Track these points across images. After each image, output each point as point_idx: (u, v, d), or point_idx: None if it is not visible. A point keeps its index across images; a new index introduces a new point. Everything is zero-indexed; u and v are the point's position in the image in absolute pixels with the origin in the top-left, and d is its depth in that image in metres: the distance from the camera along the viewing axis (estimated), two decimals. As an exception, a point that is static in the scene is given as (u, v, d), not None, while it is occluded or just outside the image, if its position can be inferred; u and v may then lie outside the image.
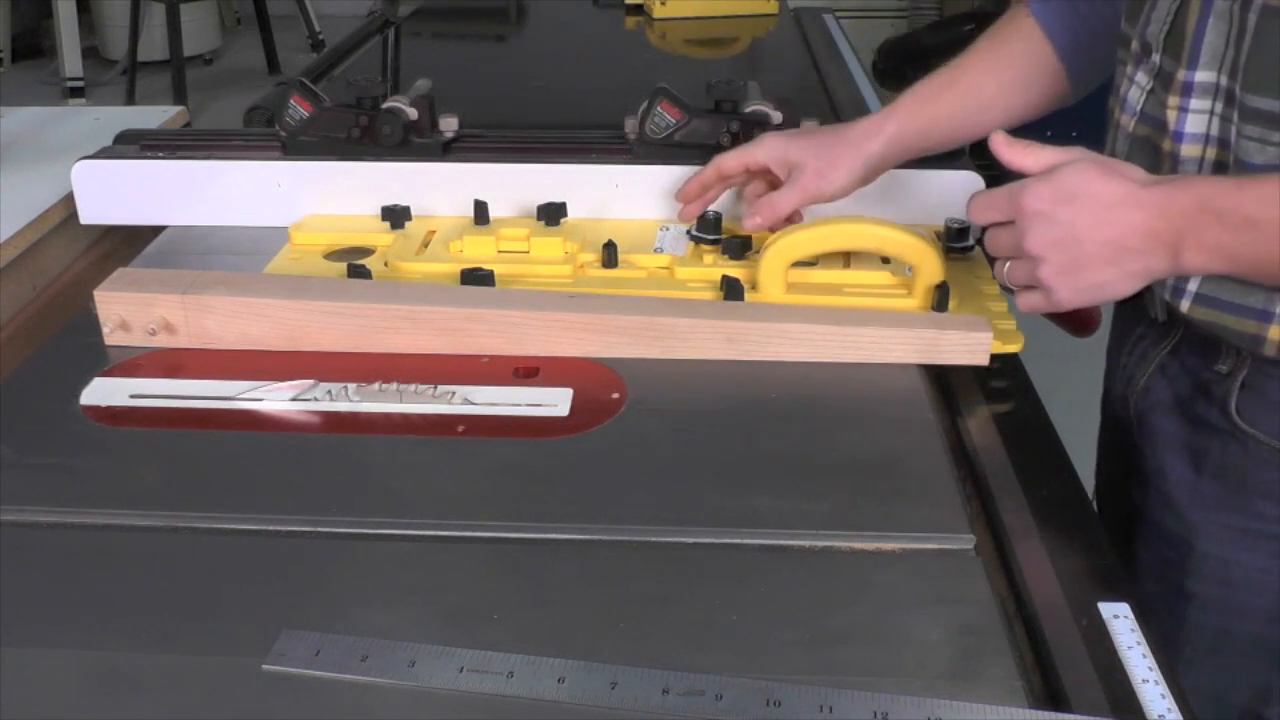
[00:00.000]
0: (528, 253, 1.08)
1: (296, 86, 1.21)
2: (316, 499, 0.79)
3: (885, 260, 1.03)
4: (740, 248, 1.07)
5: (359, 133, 1.19)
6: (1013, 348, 0.95)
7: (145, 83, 4.70)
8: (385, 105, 1.19)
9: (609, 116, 1.23)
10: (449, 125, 1.21)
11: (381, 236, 1.14)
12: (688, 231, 1.11)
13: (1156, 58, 0.87)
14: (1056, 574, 0.73)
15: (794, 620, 0.68)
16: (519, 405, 0.89)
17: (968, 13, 3.66)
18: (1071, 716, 0.62)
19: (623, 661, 0.64)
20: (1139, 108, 0.89)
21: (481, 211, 1.13)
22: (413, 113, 1.19)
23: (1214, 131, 0.83)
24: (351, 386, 0.90)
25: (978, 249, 1.07)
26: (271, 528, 0.77)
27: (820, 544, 0.74)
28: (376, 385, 0.90)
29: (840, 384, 0.92)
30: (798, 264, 1.01)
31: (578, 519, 0.77)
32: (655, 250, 1.10)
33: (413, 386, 0.90)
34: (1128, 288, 0.82)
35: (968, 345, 0.93)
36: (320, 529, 0.76)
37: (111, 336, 0.98)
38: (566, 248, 1.07)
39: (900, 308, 0.99)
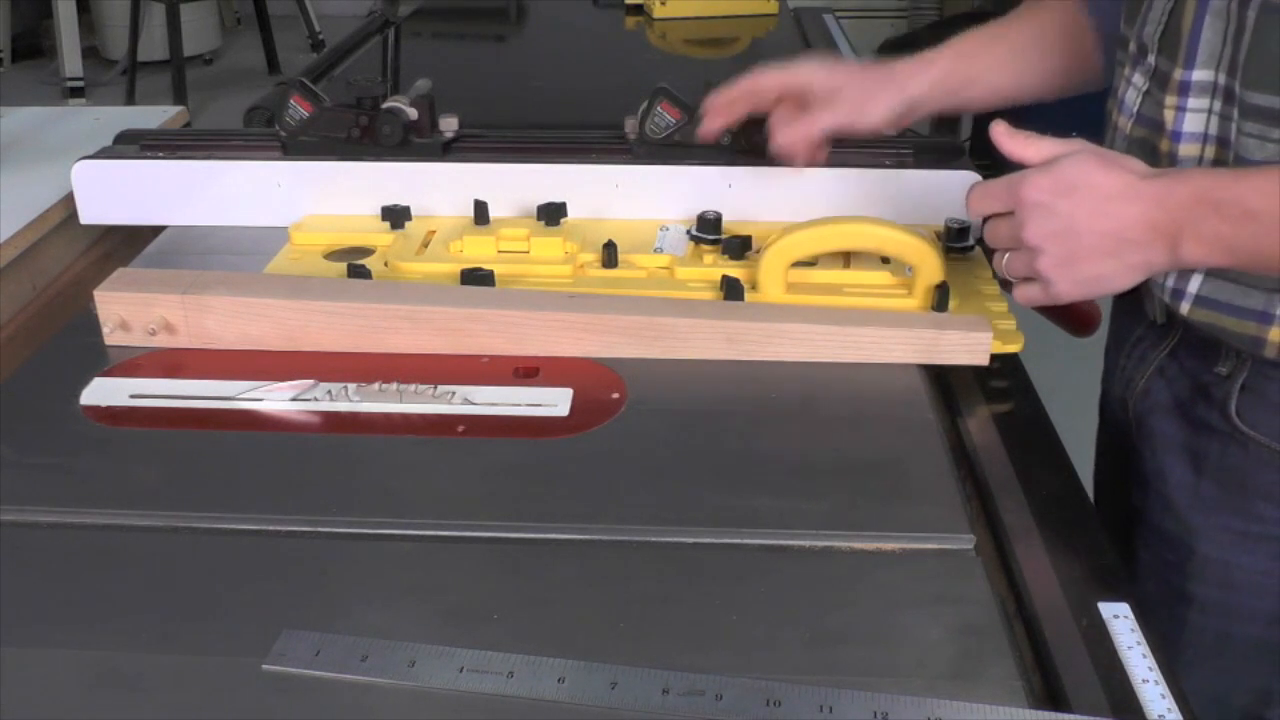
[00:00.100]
0: (528, 253, 1.08)
1: (296, 86, 1.21)
2: (316, 499, 0.79)
3: (885, 260, 1.03)
4: (740, 248, 1.07)
5: (359, 133, 1.18)
6: (1013, 348, 0.95)
7: (145, 83, 4.70)
8: (385, 105, 1.19)
9: (609, 116, 1.23)
10: (449, 125, 1.21)
11: (381, 236, 1.14)
12: (688, 231, 1.11)
13: (1152, 58, 0.87)
14: (1056, 574, 0.73)
15: (794, 620, 0.68)
16: (519, 405, 0.89)
17: (968, 13, 3.66)
18: (1071, 716, 0.62)
19: (623, 661, 0.64)
20: (1136, 109, 0.89)
21: (481, 211, 1.13)
22: (413, 113, 1.19)
23: (1212, 130, 0.83)
24: (351, 386, 0.90)
25: (978, 249, 1.07)
26: (271, 528, 0.77)
27: (820, 544, 0.74)
28: (376, 385, 0.90)
29: (840, 384, 0.92)
30: (798, 264, 1.01)
31: (578, 519, 0.77)
32: (655, 250, 1.10)
33: (413, 386, 0.90)
34: (1127, 280, 0.82)
35: (968, 345, 0.93)
36: (320, 529, 0.76)
37: (111, 336, 0.98)
38: (566, 248, 1.07)
39: (900, 308, 0.99)
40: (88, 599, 0.71)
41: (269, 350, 0.96)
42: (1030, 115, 1.11)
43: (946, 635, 0.67)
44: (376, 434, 0.87)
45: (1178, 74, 0.83)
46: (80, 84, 4.79)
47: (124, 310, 0.97)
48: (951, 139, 1.14)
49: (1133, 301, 0.97)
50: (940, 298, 0.97)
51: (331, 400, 0.90)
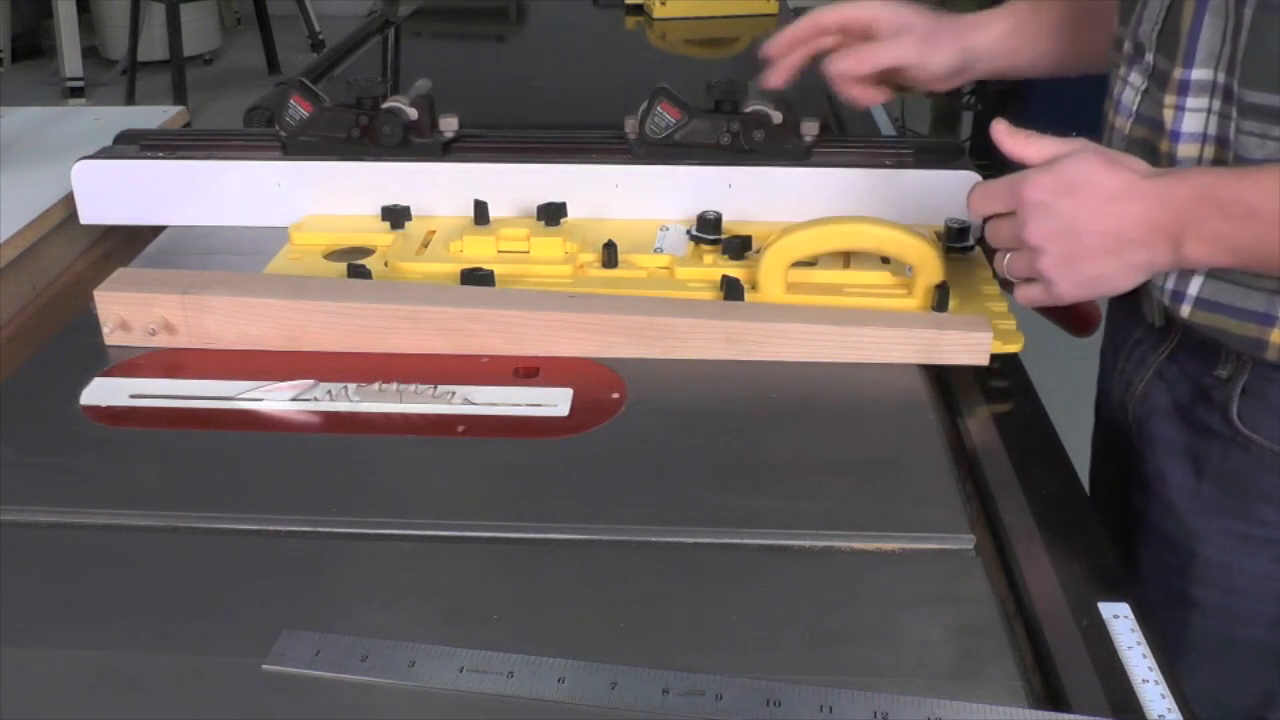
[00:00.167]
0: (528, 253, 1.08)
1: (296, 86, 1.21)
2: (316, 499, 0.79)
3: (885, 260, 1.03)
4: (740, 248, 1.07)
5: (359, 133, 1.18)
6: (1013, 348, 0.95)
7: (145, 83, 4.70)
8: (385, 105, 1.19)
9: (609, 116, 1.23)
10: (449, 125, 1.21)
11: (381, 236, 1.14)
12: (688, 231, 1.11)
13: (1150, 57, 0.86)
14: (1056, 574, 0.73)
15: (794, 620, 0.68)
16: (519, 405, 0.89)
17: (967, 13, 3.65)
18: (1071, 716, 0.62)
19: (623, 661, 0.64)
20: (1134, 109, 0.89)
21: (481, 211, 1.13)
22: (413, 113, 1.19)
23: (1212, 130, 0.83)
24: (351, 386, 0.90)
25: (978, 249, 1.07)
26: (271, 528, 0.77)
27: (820, 544, 0.74)
28: (376, 385, 0.90)
29: (840, 384, 0.92)
30: (798, 264, 1.01)
31: (578, 519, 0.77)
32: (655, 250, 1.10)
33: (413, 386, 0.90)
34: (1129, 280, 0.82)
35: (968, 345, 0.93)
36: (320, 529, 0.76)
37: (111, 336, 0.98)
38: (566, 248, 1.07)
39: (900, 308, 0.99)
40: (88, 599, 0.71)
41: (269, 350, 0.96)
42: (1029, 115, 1.11)
43: (946, 635, 0.67)
44: (376, 434, 0.87)
45: (1177, 73, 0.83)
46: (80, 84, 4.79)
47: (124, 310, 0.97)
48: (952, 139, 1.14)
49: (1130, 304, 0.96)
50: (940, 298, 0.97)
51: (331, 400, 0.90)
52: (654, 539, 0.75)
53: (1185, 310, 0.86)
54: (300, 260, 1.12)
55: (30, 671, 0.65)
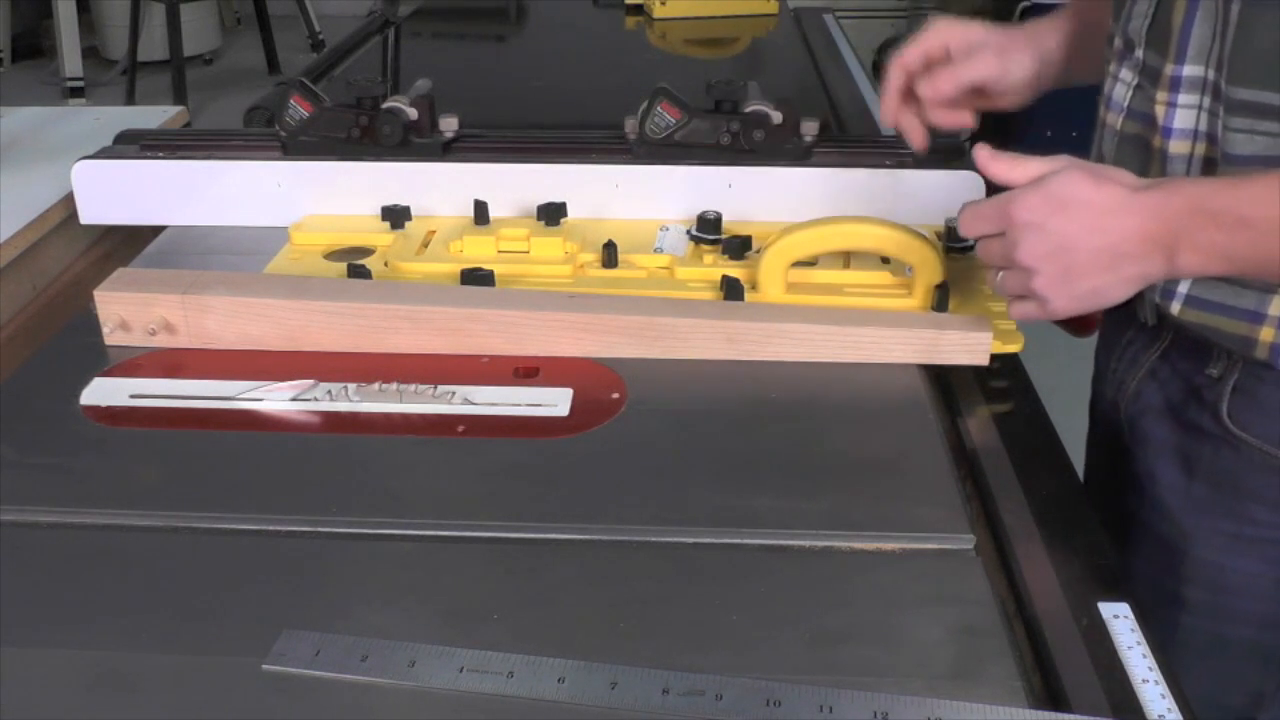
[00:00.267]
0: (528, 253, 1.08)
1: (296, 86, 1.21)
2: (316, 499, 0.79)
3: (885, 260, 1.03)
4: (740, 248, 1.07)
5: (359, 133, 1.19)
6: (1013, 348, 0.95)
7: (145, 83, 4.70)
8: (385, 105, 1.19)
9: (609, 116, 1.23)
10: (449, 125, 1.21)
11: (381, 236, 1.14)
12: (688, 231, 1.11)
13: (1140, 53, 0.86)
14: (1056, 574, 0.73)
15: (794, 620, 0.68)
16: (519, 405, 0.89)
17: (968, 13, 3.65)
18: (1071, 716, 0.62)
19: (623, 661, 0.64)
20: (1126, 104, 0.89)
21: (481, 211, 1.13)
22: (413, 113, 1.19)
23: (1202, 126, 0.83)
24: (351, 386, 0.90)
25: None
26: (271, 528, 0.77)
27: (820, 544, 0.74)
28: (376, 385, 0.90)
29: (840, 384, 0.92)
30: (798, 264, 1.01)
31: (578, 519, 0.77)
32: (655, 250, 1.10)
33: (413, 386, 0.90)
34: (1123, 293, 0.82)
35: (968, 345, 0.93)
36: (320, 529, 0.76)
37: (111, 336, 0.98)
38: (566, 248, 1.07)
39: (900, 308, 0.99)
40: (88, 599, 0.71)
41: (269, 350, 0.96)
42: (1030, 115, 1.11)
43: (946, 635, 0.67)
44: (376, 434, 0.87)
45: (1168, 69, 0.83)
46: (80, 84, 4.79)
47: (124, 310, 0.97)
48: (952, 139, 1.14)
49: (1123, 304, 0.96)
50: (940, 298, 0.97)
51: (331, 400, 0.90)
52: (654, 539, 0.75)
53: (1175, 308, 0.86)
54: (300, 260, 1.12)
55: (30, 671, 0.65)
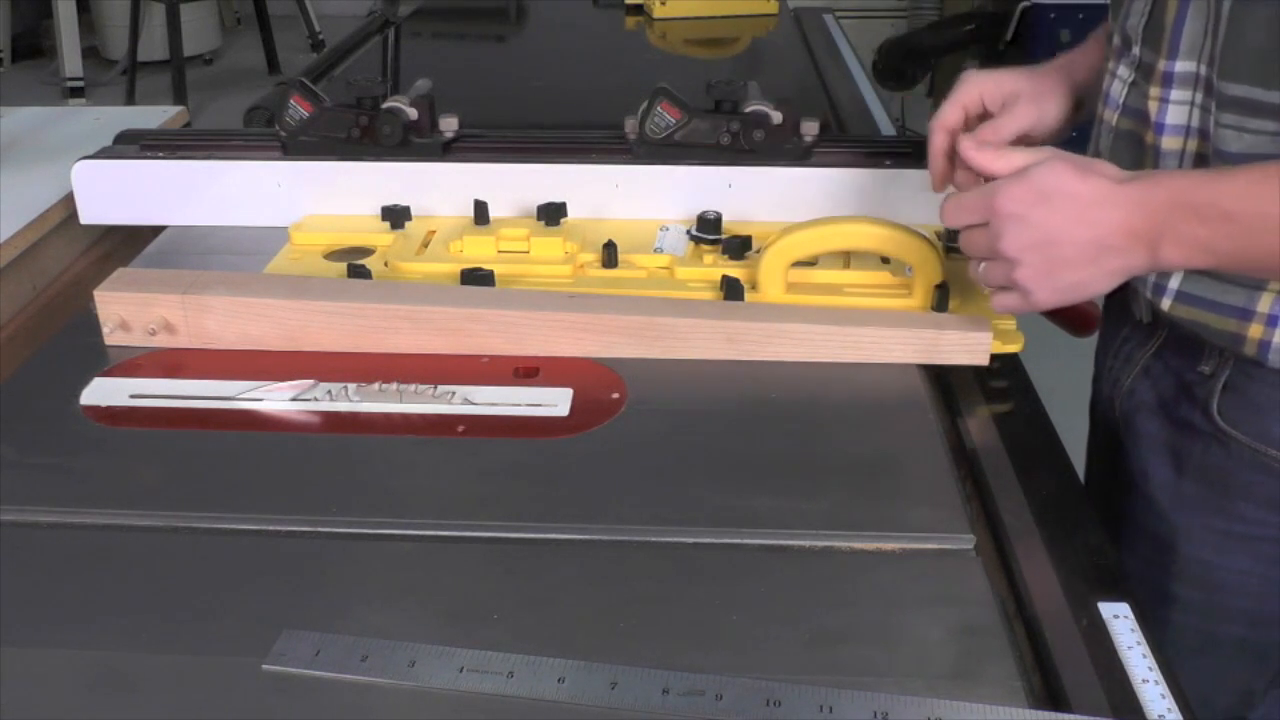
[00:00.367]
0: (528, 253, 1.08)
1: (296, 86, 1.21)
2: (316, 499, 0.79)
3: (885, 260, 1.03)
4: (740, 248, 1.07)
5: (359, 133, 1.19)
6: (1013, 348, 0.95)
7: (145, 83, 4.70)
8: (385, 105, 1.19)
9: (609, 116, 1.23)
10: (449, 125, 1.21)
11: (381, 236, 1.14)
12: (688, 231, 1.11)
13: (1137, 50, 0.87)
14: (1056, 574, 0.73)
15: (794, 620, 0.68)
16: (519, 405, 0.89)
17: (968, 13, 3.65)
18: (1071, 716, 0.62)
19: (623, 661, 0.64)
20: (1121, 101, 0.89)
21: (481, 211, 1.13)
22: (413, 113, 1.19)
23: (1194, 123, 0.83)
24: (351, 386, 0.90)
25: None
26: (271, 528, 0.77)
27: (820, 544, 0.74)
28: (376, 385, 0.90)
29: (840, 384, 0.92)
30: (798, 264, 1.01)
31: (578, 519, 0.77)
32: (655, 250, 1.10)
33: (413, 386, 0.90)
34: (1105, 286, 0.82)
35: (968, 345, 0.93)
36: (320, 529, 0.76)
37: (111, 336, 0.98)
38: (566, 248, 1.07)
39: (900, 308, 0.99)
40: (88, 599, 0.71)
41: (269, 350, 0.96)
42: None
43: (946, 635, 0.67)
44: (376, 434, 0.87)
45: (1161, 65, 0.84)
46: (80, 84, 4.79)
47: (124, 310, 0.97)
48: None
49: (1120, 302, 0.97)
50: (940, 298, 0.97)
51: (331, 400, 0.90)
52: (654, 539, 0.75)
53: (1165, 304, 0.86)
54: (300, 260, 1.12)
55: (30, 671, 0.65)
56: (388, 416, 0.88)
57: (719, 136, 1.16)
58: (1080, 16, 3.11)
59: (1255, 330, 0.82)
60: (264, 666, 0.65)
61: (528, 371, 0.93)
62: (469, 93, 1.66)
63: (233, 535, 0.76)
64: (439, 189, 1.17)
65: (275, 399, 0.90)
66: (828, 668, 0.64)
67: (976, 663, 0.65)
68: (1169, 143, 0.84)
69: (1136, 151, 0.87)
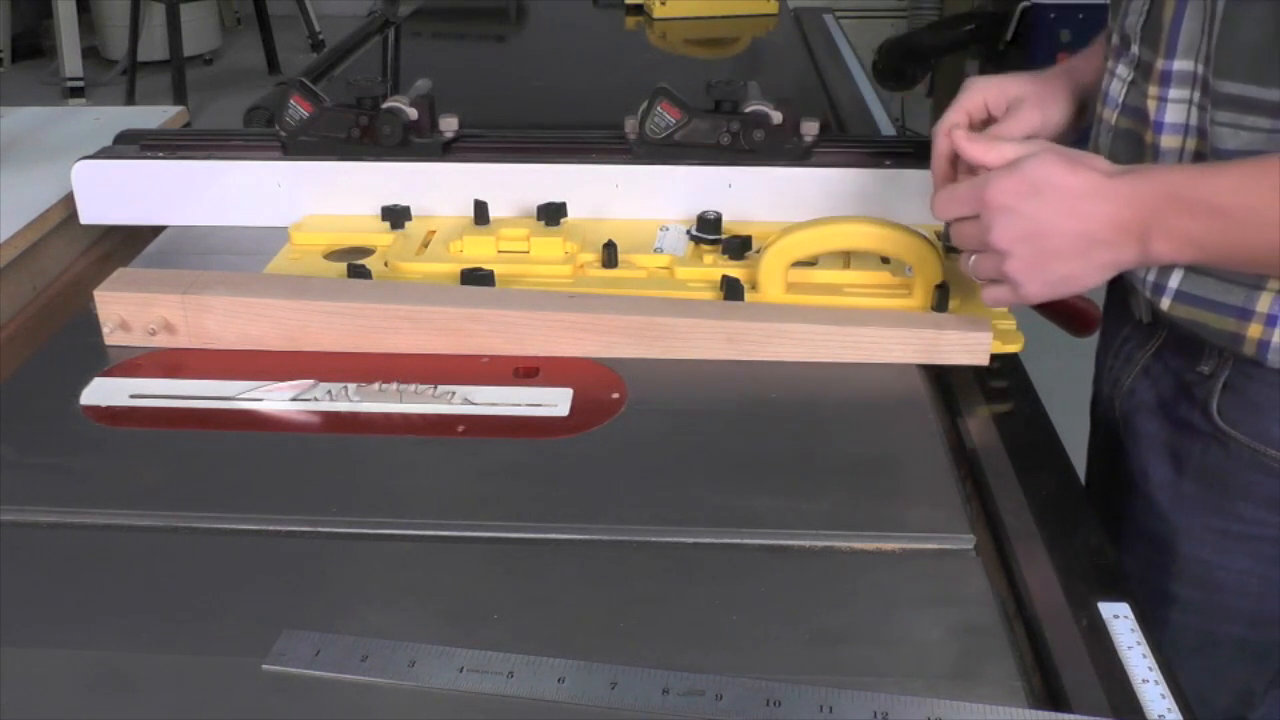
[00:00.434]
0: (528, 253, 1.08)
1: (296, 86, 1.21)
2: (316, 499, 0.79)
3: (885, 260, 1.03)
4: (740, 248, 1.07)
5: (359, 133, 1.19)
6: (1013, 348, 0.95)
7: (145, 83, 4.70)
8: (385, 105, 1.19)
9: (609, 116, 1.23)
10: (449, 125, 1.21)
11: (381, 236, 1.14)
12: (688, 231, 1.11)
13: (1135, 49, 0.87)
14: (1056, 574, 0.73)
15: (794, 620, 0.68)
16: (519, 405, 0.89)
17: (968, 13, 3.65)
18: (1071, 716, 0.62)
19: (623, 661, 0.64)
20: (1120, 100, 0.89)
21: (481, 211, 1.13)
22: (413, 113, 1.19)
23: (1193, 121, 0.83)
24: (351, 386, 0.90)
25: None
26: (271, 528, 0.77)
27: (820, 544, 0.74)
28: (376, 385, 0.90)
29: (840, 384, 0.92)
30: (798, 264, 1.01)
31: (578, 519, 0.77)
32: (655, 250, 1.10)
33: (413, 386, 0.90)
34: (1095, 279, 0.82)
35: (968, 345, 0.93)
36: (320, 529, 0.76)
37: (111, 336, 0.98)
38: (566, 248, 1.07)
39: (900, 308, 0.99)
40: (88, 599, 0.71)
41: (269, 350, 0.96)
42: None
43: (946, 635, 0.67)
44: (376, 434, 0.87)
45: (1159, 64, 0.84)
46: (80, 84, 4.79)
47: (124, 310, 0.97)
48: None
49: (1121, 302, 0.97)
50: (940, 298, 0.97)
51: (331, 400, 0.90)
52: (654, 539, 0.75)
53: (1165, 303, 0.86)
54: (300, 260, 1.12)
55: (30, 671, 0.65)
56: (388, 416, 0.88)
57: (719, 136, 1.16)
58: (1080, 16, 3.11)
59: (1254, 330, 0.82)
60: (264, 666, 0.65)
61: (528, 371, 0.93)
62: (469, 93, 1.66)
63: (233, 535, 0.76)
64: (439, 189, 1.17)
65: (275, 399, 0.90)
66: (828, 668, 0.64)
67: (976, 663, 0.65)
68: (1168, 141, 0.84)
69: (1136, 150, 0.87)
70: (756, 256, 1.03)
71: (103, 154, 1.24)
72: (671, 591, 0.71)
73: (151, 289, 0.97)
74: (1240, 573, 0.91)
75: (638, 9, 2.20)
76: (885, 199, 1.12)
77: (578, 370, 0.93)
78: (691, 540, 0.75)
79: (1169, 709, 0.62)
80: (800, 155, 1.16)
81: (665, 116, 1.16)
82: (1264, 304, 0.81)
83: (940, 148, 1.00)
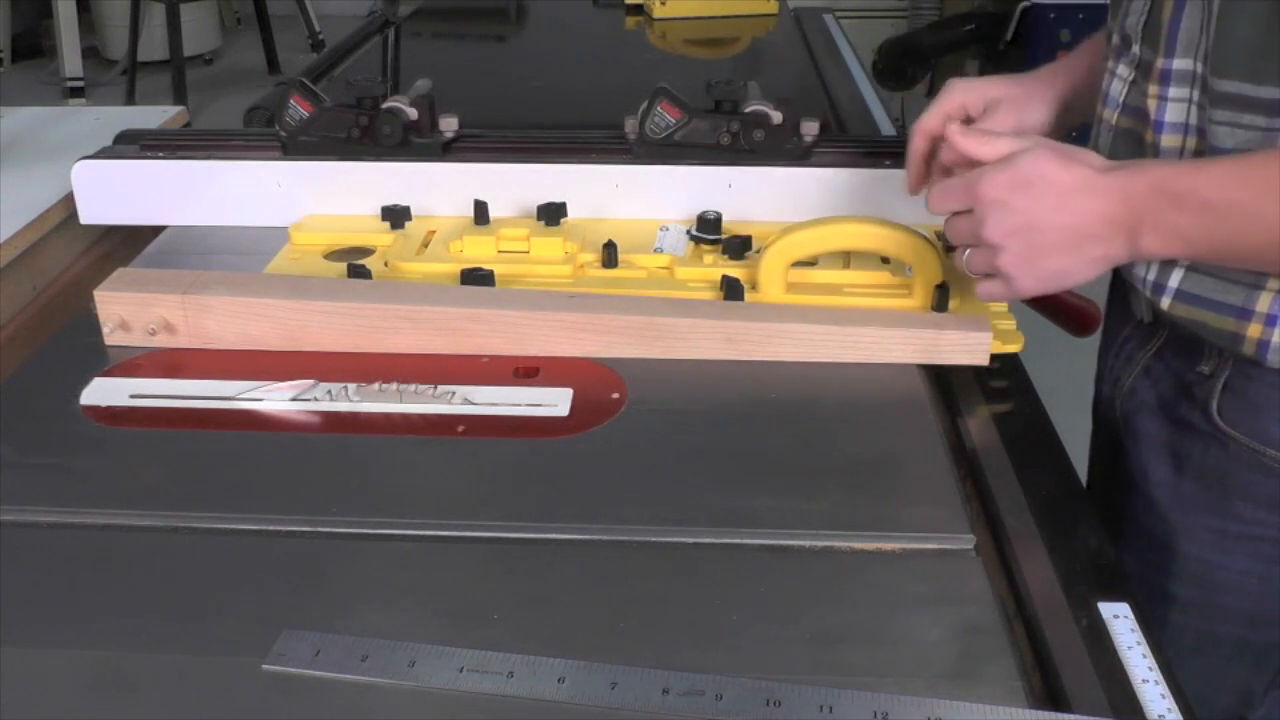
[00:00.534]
0: (528, 253, 1.08)
1: (296, 86, 1.21)
2: (316, 499, 0.79)
3: (885, 260, 1.03)
4: (740, 248, 1.07)
5: (359, 133, 1.19)
6: (1013, 348, 0.95)
7: (145, 83, 4.70)
8: (385, 105, 1.19)
9: (609, 116, 1.23)
10: (449, 125, 1.21)
11: (381, 236, 1.14)
12: (688, 231, 1.11)
13: (1136, 48, 0.87)
14: (1056, 574, 0.73)
15: (794, 620, 0.68)
16: (519, 405, 0.89)
17: (968, 13, 3.66)
18: (1071, 716, 0.62)
19: (623, 661, 0.64)
20: (1121, 100, 0.89)
21: (481, 211, 1.13)
22: (413, 113, 1.19)
23: (1193, 120, 0.83)
24: (351, 386, 0.90)
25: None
26: (271, 528, 0.77)
27: (820, 544, 0.74)
28: (376, 385, 0.90)
29: (840, 384, 0.92)
30: (798, 264, 1.01)
31: (578, 519, 0.77)
32: (655, 250, 1.10)
33: (413, 386, 0.90)
34: (1088, 274, 0.82)
35: (968, 345, 0.93)
36: (320, 529, 0.76)
37: (111, 336, 0.98)
38: (566, 248, 1.07)
39: (900, 308, 0.99)
40: (88, 599, 0.71)
41: (269, 350, 0.96)
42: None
43: (946, 635, 0.67)
44: (376, 434, 0.87)
45: (1159, 63, 0.84)
46: (80, 84, 4.79)
47: (124, 310, 0.97)
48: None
49: (1122, 301, 0.97)
50: (940, 298, 0.97)
51: (331, 400, 0.90)
52: (654, 539, 0.75)
53: (1165, 303, 0.86)
54: (300, 260, 1.12)
55: (30, 671, 0.65)
56: (388, 416, 0.88)
57: (719, 136, 1.16)
58: (1080, 16, 3.11)
59: (1254, 330, 0.82)
60: (264, 666, 0.65)
61: (528, 371, 0.93)
62: (469, 93, 1.66)
63: (233, 535, 0.76)
64: (439, 189, 1.17)
65: (275, 399, 0.90)
66: (828, 668, 0.64)
67: (976, 663, 0.65)
68: (1168, 141, 0.84)
69: (1136, 150, 0.87)
70: (756, 256, 1.03)
71: (103, 154, 1.24)
72: (671, 591, 0.71)
73: (151, 289, 0.97)
74: (1240, 573, 0.91)
75: (638, 9, 2.20)
76: (885, 199, 1.12)
77: (578, 370, 0.93)
78: (691, 540, 0.75)
79: (1169, 709, 0.62)
80: (800, 155, 1.16)
81: (665, 116, 1.17)
82: (1264, 304, 0.81)
83: (916, 147, 1.01)
